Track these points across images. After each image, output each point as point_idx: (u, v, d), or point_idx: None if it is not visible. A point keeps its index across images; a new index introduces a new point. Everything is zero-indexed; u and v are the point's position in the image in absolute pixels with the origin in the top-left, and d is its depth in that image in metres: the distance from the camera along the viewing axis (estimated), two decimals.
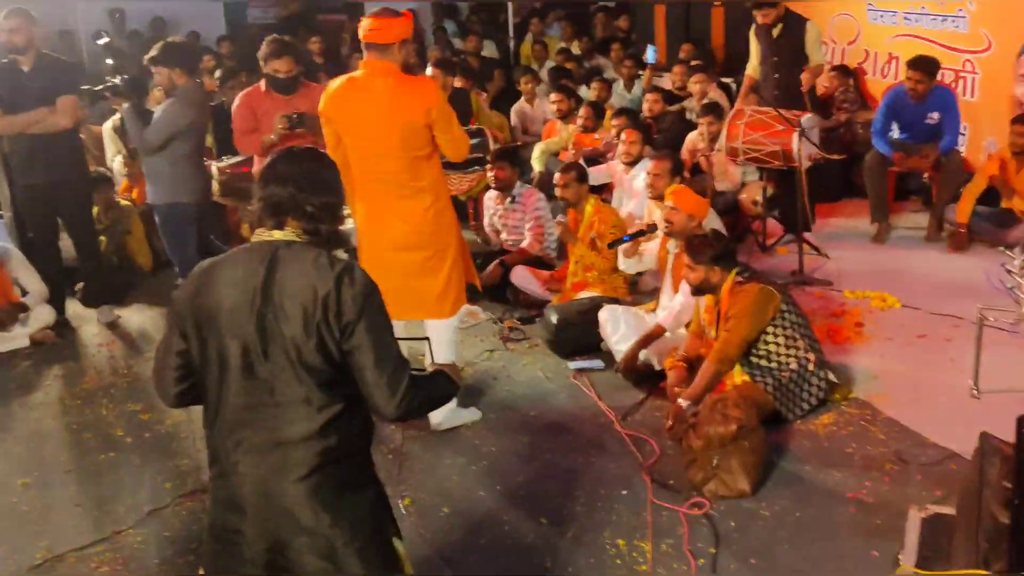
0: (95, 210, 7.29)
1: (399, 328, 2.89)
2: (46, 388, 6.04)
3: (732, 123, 6.98)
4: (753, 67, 7.68)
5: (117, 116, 9.19)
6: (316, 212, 2.69)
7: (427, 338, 3.53)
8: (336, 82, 4.84)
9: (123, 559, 4.22)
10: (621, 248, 6.14)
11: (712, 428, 4.42)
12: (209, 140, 7.98)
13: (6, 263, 6.60)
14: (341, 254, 2.87)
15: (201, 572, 2.85)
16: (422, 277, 4.94)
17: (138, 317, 7.04)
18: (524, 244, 7.05)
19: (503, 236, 7.28)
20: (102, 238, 7.43)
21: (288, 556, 2.64)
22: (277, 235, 2.70)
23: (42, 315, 6.68)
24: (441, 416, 5.09)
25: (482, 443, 5.02)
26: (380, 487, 2.86)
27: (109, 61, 8.63)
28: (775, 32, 7.34)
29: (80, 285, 7.16)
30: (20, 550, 4.31)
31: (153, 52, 6.20)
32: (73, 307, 7.14)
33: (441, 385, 2.89)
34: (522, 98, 9.95)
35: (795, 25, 7.34)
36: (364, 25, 4.69)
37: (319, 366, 2.61)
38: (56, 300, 6.84)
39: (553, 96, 8.74)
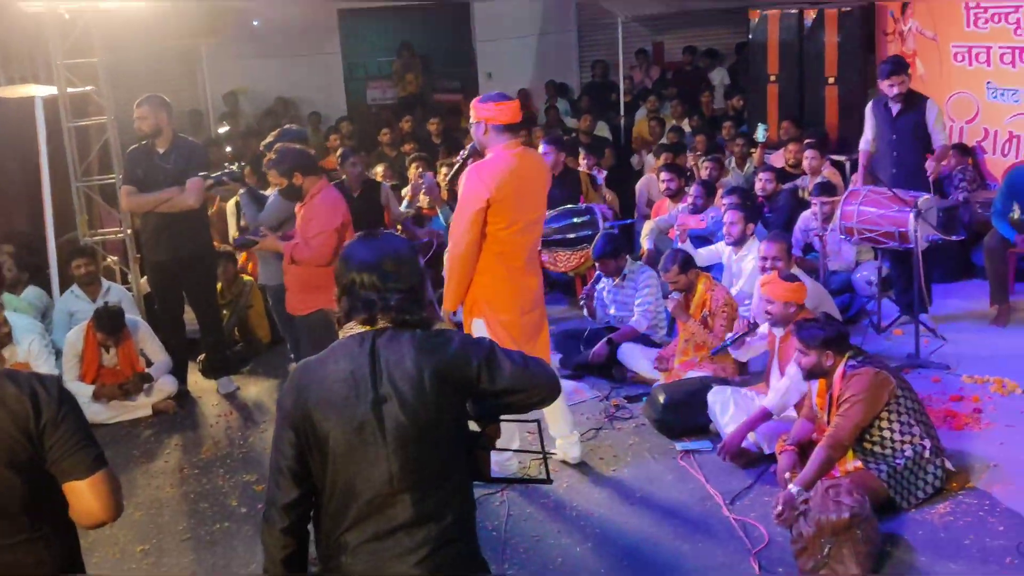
0: (219, 285, 7.59)
1: None
2: (166, 456, 6.26)
3: (847, 202, 6.91)
4: (867, 141, 7.61)
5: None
6: (401, 304, 2.71)
7: (537, 420, 3.54)
8: (499, 165, 5.06)
9: None
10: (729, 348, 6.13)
11: (824, 516, 4.33)
12: None
13: (134, 334, 6.89)
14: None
15: None
16: (541, 333, 5.40)
17: (256, 389, 7.25)
18: (632, 322, 7.04)
19: (612, 311, 7.29)
20: (224, 312, 7.70)
21: None
22: (368, 327, 2.73)
23: (165, 385, 6.94)
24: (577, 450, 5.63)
25: (587, 524, 5.01)
26: (487, 568, 2.86)
27: (228, 148, 8.99)
28: (895, 111, 7.28)
29: (202, 357, 7.43)
30: None
31: (269, 138, 6.43)
32: (194, 378, 7.41)
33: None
34: (651, 173, 9.99)
35: (916, 103, 7.27)
36: (508, 108, 5.04)
37: (444, 438, 2.66)
38: (179, 371, 7.11)
39: (663, 175, 8.77)
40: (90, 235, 8.01)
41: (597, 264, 7.16)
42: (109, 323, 6.65)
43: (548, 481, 3.38)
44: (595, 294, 7.36)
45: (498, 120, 5.03)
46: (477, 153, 5.27)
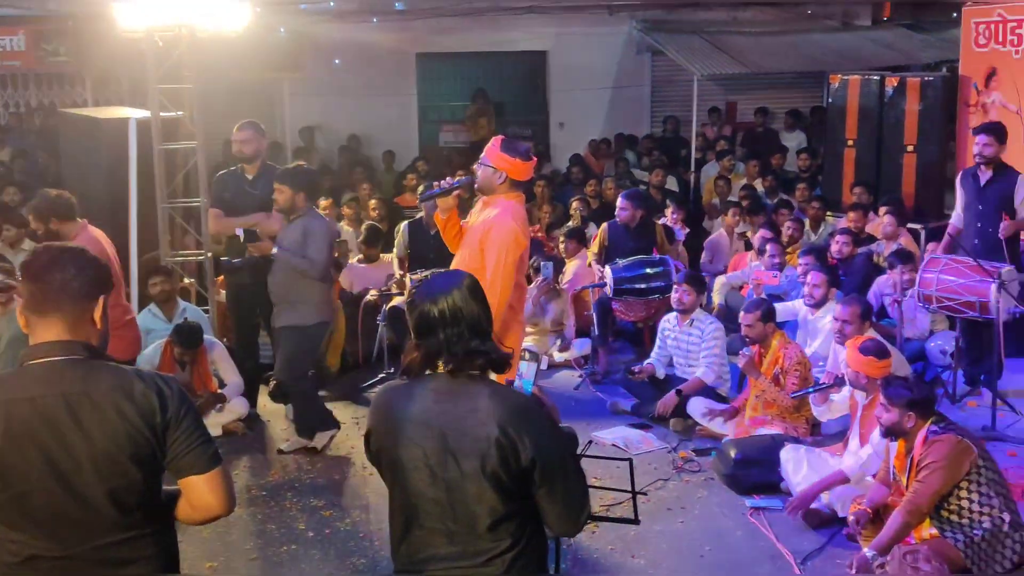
0: None
1: None
2: (235, 477, 6.29)
3: (927, 270, 6.87)
4: (957, 215, 7.56)
5: None
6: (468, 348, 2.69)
7: (629, 459, 3.53)
8: (524, 216, 5.16)
9: None
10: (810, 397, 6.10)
11: None
12: (405, 254, 8.35)
13: (209, 354, 7.00)
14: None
15: None
16: None
17: None
18: (699, 373, 7.01)
19: (676, 359, 7.28)
20: None
21: None
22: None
23: (237, 407, 7.02)
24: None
25: (655, 573, 4.99)
26: None
27: None
28: (983, 180, 7.24)
29: (274, 381, 7.48)
30: None
31: (284, 169, 6.53)
32: (263, 401, 7.46)
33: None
34: (721, 230, 10.03)
35: (1005, 175, 7.22)
36: (530, 167, 5.09)
37: (495, 503, 2.64)
38: (250, 394, 7.18)
39: (762, 232, 8.78)
40: (170, 256, 8.16)
41: (680, 288, 7.16)
42: (188, 338, 6.76)
43: (635, 521, 3.38)
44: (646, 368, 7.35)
45: (519, 176, 5.04)
46: (465, 187, 5.18)
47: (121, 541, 2.56)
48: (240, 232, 6.34)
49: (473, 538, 2.63)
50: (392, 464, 2.69)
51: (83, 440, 2.48)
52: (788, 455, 5.73)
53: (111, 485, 2.50)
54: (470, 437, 2.59)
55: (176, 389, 2.61)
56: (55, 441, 2.47)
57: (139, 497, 2.56)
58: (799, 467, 5.65)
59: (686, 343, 7.21)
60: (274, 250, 6.21)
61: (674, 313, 7.32)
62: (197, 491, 2.61)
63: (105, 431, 2.49)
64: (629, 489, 3.44)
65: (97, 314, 2.64)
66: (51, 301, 2.56)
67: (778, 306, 7.37)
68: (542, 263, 8.36)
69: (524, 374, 3.13)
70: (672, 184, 12.57)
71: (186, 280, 8.33)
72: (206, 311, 7.96)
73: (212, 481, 2.61)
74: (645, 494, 5.61)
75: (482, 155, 5.08)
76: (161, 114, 8.15)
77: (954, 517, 4.83)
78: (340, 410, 7.43)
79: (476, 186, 5.16)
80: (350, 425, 7.11)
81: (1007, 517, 4.82)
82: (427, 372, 2.73)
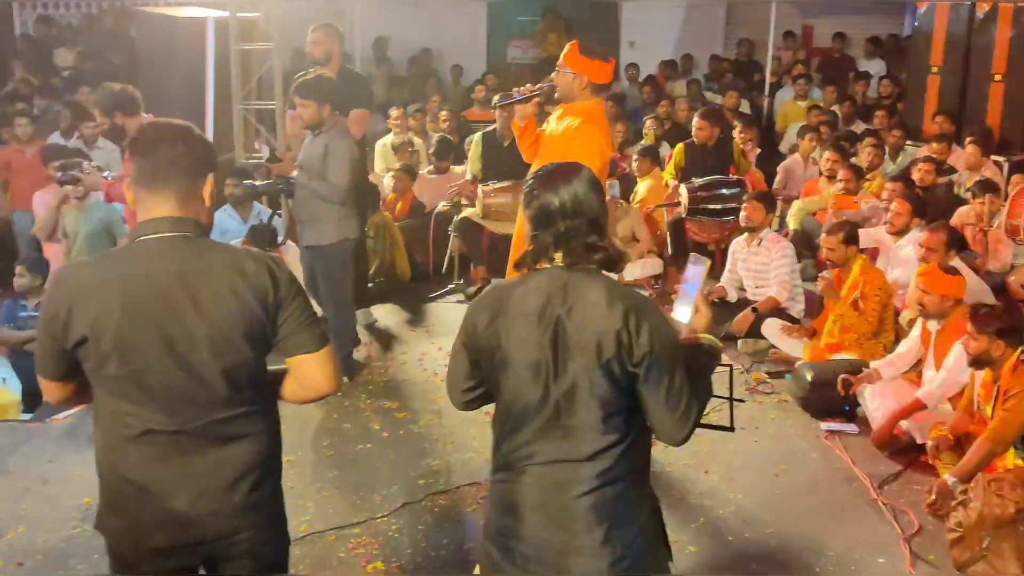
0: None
1: None
2: None
3: (1016, 200, 6.68)
4: None
5: (392, 134, 9.70)
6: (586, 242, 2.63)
7: (730, 365, 3.46)
8: (606, 125, 5.06)
9: (378, 544, 4.44)
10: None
11: (987, 508, 4.20)
12: (478, 166, 8.26)
13: (284, 255, 7.03)
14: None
15: (476, 571, 2.88)
16: None
17: (393, 321, 7.34)
18: (771, 292, 6.91)
19: (746, 282, 7.18)
20: (371, 246, 7.81)
21: (559, 564, 2.62)
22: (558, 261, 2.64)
23: None
24: None
25: (728, 489, 4.97)
26: (657, 513, 2.78)
27: None
28: None
29: None
30: None
31: (303, 81, 6.02)
32: None
33: (707, 384, 2.77)
34: (796, 154, 9.86)
35: None
36: (609, 68, 5.07)
37: (607, 396, 2.57)
38: None
39: (828, 154, 8.58)
40: (245, 157, 8.18)
41: (749, 204, 7.06)
42: (265, 238, 6.80)
43: (731, 429, 3.33)
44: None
45: (600, 80, 4.92)
46: (546, 94, 5.04)
47: (232, 417, 2.58)
48: (266, 151, 6.13)
49: (582, 432, 2.58)
50: (502, 361, 2.63)
51: (199, 318, 2.48)
52: None
53: (225, 363, 2.51)
54: (589, 330, 2.53)
55: (286, 268, 2.61)
56: (172, 319, 2.47)
57: (250, 375, 2.58)
58: (876, 393, 5.57)
59: (755, 263, 7.09)
60: (294, 173, 5.92)
61: (744, 235, 7.20)
62: (307, 369, 2.62)
63: (220, 309, 2.49)
64: (727, 396, 3.38)
65: (206, 192, 2.64)
66: (161, 176, 2.55)
67: (860, 232, 7.24)
68: (607, 181, 8.25)
69: (691, 278, 2.98)
70: (745, 108, 12.32)
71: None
72: (279, 215, 7.99)
73: (322, 360, 2.62)
74: (743, 401, 5.55)
75: (559, 61, 4.98)
76: (238, 14, 8.11)
77: None
78: (407, 315, 7.54)
79: (557, 94, 5.06)
80: (420, 334, 7.16)
81: None
82: (539, 266, 2.67)
